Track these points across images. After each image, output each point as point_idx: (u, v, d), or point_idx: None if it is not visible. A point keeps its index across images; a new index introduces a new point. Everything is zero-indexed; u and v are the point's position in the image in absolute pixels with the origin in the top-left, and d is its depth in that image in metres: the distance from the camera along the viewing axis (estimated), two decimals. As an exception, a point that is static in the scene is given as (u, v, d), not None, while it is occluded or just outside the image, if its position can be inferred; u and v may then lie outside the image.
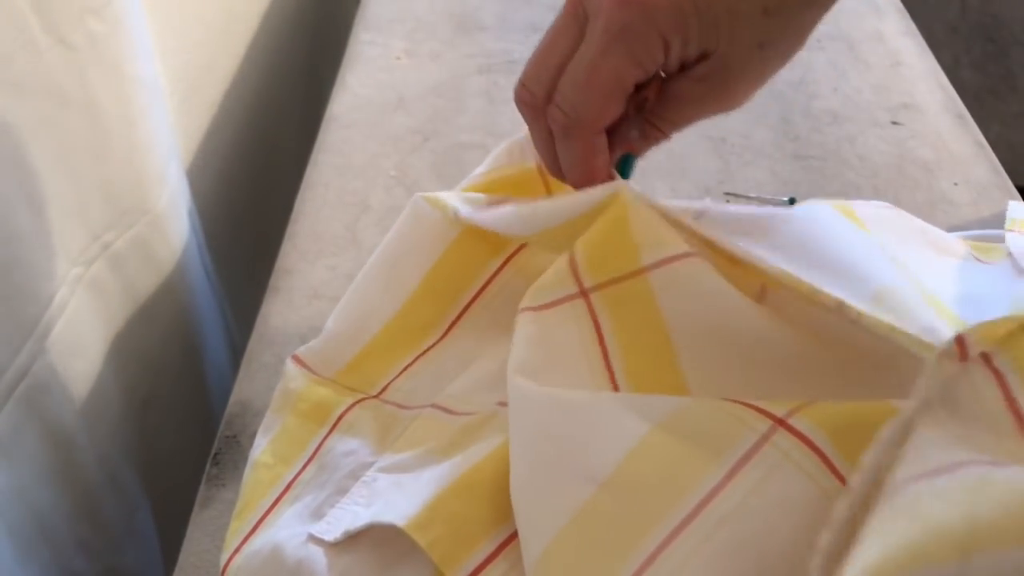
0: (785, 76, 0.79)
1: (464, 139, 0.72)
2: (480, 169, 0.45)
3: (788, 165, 0.68)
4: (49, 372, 0.51)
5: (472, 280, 0.45)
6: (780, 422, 0.30)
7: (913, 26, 0.84)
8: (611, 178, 0.38)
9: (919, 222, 0.46)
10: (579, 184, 0.38)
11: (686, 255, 0.36)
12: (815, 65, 0.79)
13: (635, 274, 0.36)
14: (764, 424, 0.30)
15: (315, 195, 0.67)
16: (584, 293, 0.37)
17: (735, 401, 0.32)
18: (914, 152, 0.69)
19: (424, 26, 0.87)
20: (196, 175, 0.72)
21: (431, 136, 0.73)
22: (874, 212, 0.44)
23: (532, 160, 0.43)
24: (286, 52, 0.96)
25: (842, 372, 0.35)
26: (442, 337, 0.44)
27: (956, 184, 0.65)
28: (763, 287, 0.38)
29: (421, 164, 0.70)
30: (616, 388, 0.35)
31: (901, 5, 0.88)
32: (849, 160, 0.68)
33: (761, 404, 0.31)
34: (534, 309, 0.37)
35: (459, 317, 0.44)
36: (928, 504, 0.24)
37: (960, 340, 0.26)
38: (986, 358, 0.26)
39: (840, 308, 0.32)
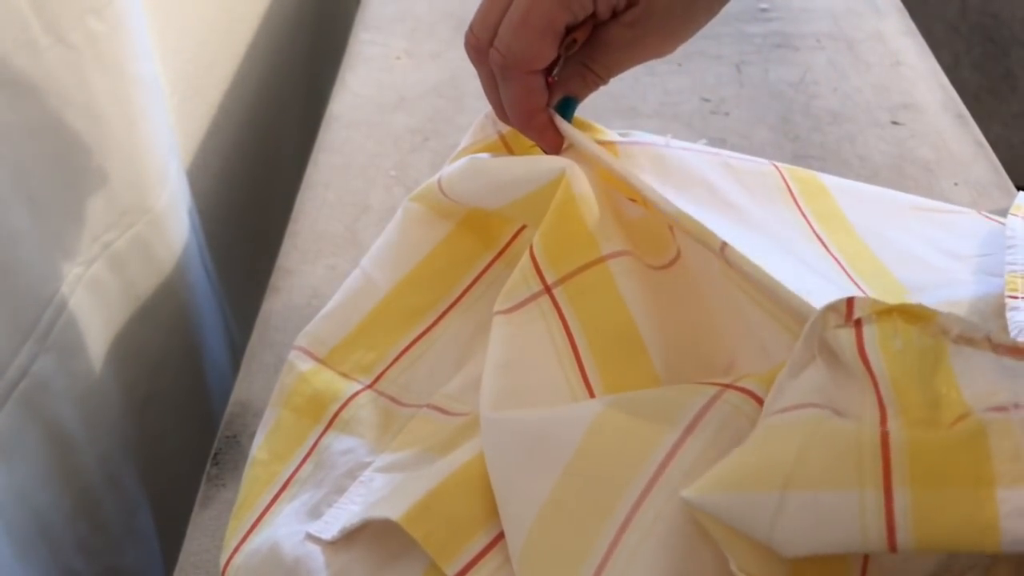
0: (785, 76, 0.80)
1: (464, 139, 0.72)
2: (460, 146, 0.47)
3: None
4: (49, 372, 0.51)
5: (465, 272, 0.45)
6: (727, 386, 0.32)
7: (913, 26, 0.84)
8: (549, 117, 0.41)
9: (911, 197, 0.47)
10: (520, 124, 0.41)
11: (624, 252, 0.38)
12: (815, 65, 0.79)
13: (596, 262, 0.38)
14: (713, 389, 0.32)
15: (315, 195, 0.67)
16: (548, 289, 0.38)
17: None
18: (914, 152, 0.69)
19: (424, 26, 0.87)
20: (196, 175, 0.72)
21: (431, 136, 0.73)
22: (843, 183, 0.46)
23: (495, 132, 0.45)
24: (286, 52, 0.96)
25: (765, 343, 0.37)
26: (434, 324, 0.45)
27: (956, 184, 0.65)
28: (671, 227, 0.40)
29: (421, 164, 0.70)
30: (587, 381, 0.36)
31: (901, 5, 0.88)
32: (849, 160, 0.68)
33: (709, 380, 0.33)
34: (504, 312, 0.38)
35: (451, 306, 0.45)
36: (770, 435, 0.27)
37: (850, 302, 0.28)
38: (858, 324, 0.28)
39: (723, 249, 0.34)
